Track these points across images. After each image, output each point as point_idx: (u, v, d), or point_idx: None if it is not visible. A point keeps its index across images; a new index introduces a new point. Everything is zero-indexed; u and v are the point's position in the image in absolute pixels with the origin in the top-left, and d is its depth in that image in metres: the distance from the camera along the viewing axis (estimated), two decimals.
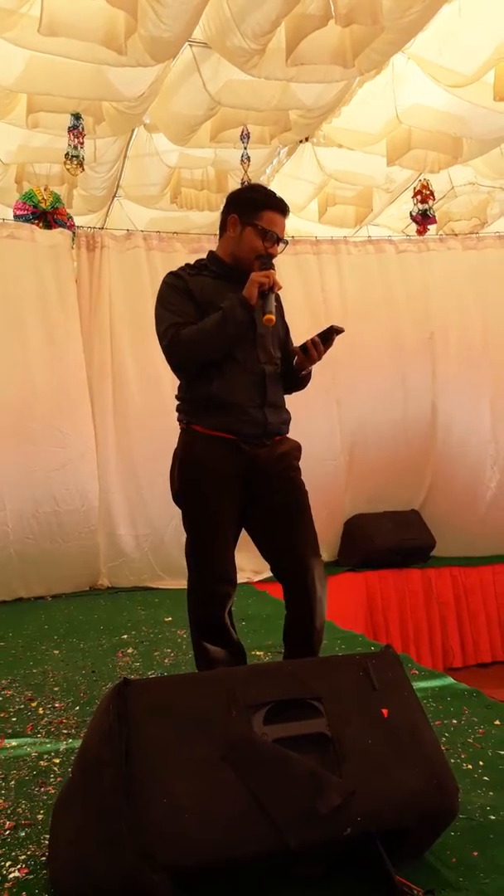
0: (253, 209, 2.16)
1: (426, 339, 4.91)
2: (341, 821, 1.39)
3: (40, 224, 4.83)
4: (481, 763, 2.05)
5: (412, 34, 4.05)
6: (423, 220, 5.38)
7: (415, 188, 5.48)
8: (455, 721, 2.35)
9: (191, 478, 2.14)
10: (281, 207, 2.18)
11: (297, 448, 2.26)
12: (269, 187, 6.62)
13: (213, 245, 4.73)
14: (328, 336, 2.18)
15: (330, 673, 1.61)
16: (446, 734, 2.23)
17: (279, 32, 3.95)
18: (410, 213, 5.50)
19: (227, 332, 2.08)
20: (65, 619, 3.79)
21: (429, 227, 5.44)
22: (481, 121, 4.83)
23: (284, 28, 3.87)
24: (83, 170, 4.56)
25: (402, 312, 4.92)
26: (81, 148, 4.52)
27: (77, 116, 4.41)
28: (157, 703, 1.46)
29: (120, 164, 5.54)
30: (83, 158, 4.50)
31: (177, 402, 2.25)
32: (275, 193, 2.25)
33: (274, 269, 2.11)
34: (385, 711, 1.57)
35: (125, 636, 3.42)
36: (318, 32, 3.86)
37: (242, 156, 4.95)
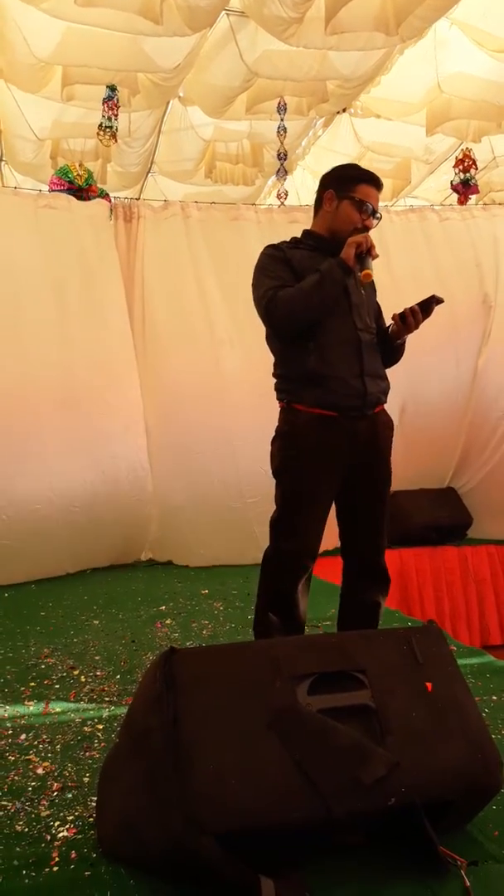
0: (349, 183, 2.21)
1: (479, 304, 4.76)
2: (385, 791, 1.40)
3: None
4: None
5: None
6: (465, 189, 5.24)
7: (457, 157, 5.34)
8: (495, 697, 2.34)
9: (291, 454, 2.18)
10: (375, 181, 2.23)
11: (391, 425, 2.31)
12: (304, 160, 6.52)
13: (252, 214, 4.68)
14: (428, 305, 2.17)
15: (374, 646, 1.61)
16: (486, 710, 2.22)
17: (318, 0, 3.87)
18: (451, 181, 5.36)
19: (325, 291, 2.11)
20: (103, 590, 3.84)
21: (470, 196, 5.31)
22: None
23: None
24: (116, 141, 4.54)
25: (452, 279, 4.77)
26: (115, 119, 4.49)
27: (112, 88, 4.39)
28: (204, 671, 1.48)
29: (154, 139, 5.51)
30: (116, 129, 4.47)
31: (275, 380, 2.27)
32: (369, 170, 2.30)
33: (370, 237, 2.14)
34: (429, 685, 1.56)
35: (163, 608, 3.46)
36: None
37: (279, 127, 4.88)
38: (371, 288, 2.30)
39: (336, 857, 1.46)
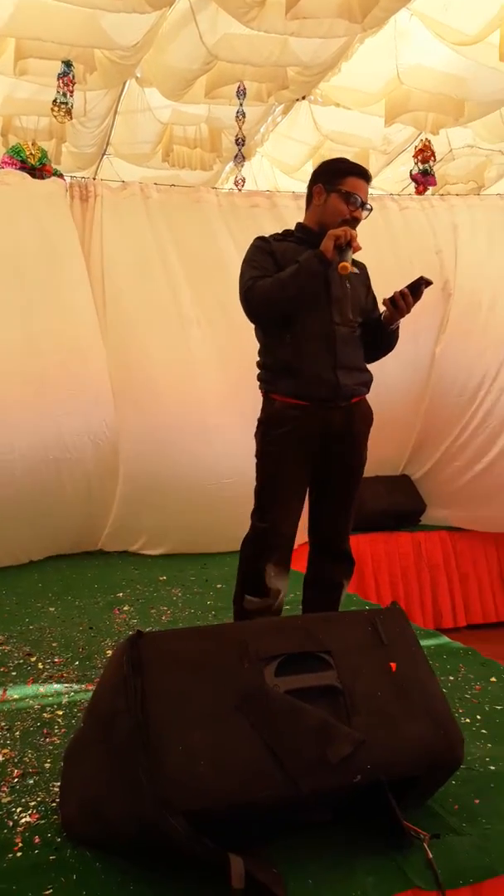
0: (337, 176, 2.24)
1: (439, 291, 4.80)
2: (351, 769, 1.42)
3: None
4: (479, 717, 2.10)
5: None
6: (424, 179, 5.31)
7: (416, 147, 5.39)
8: (452, 678, 2.40)
9: (266, 440, 2.26)
10: (364, 174, 2.27)
11: (370, 416, 2.35)
12: (262, 146, 6.49)
13: (213, 197, 4.62)
14: (417, 288, 2.19)
15: (339, 628, 1.63)
16: (444, 690, 2.26)
17: None
18: (410, 171, 5.42)
19: (301, 282, 2.14)
20: (58, 577, 3.78)
21: (428, 187, 5.38)
22: (483, 82, 4.77)
23: None
24: (71, 118, 4.44)
25: (413, 265, 4.79)
26: (71, 96, 4.38)
27: (68, 64, 4.28)
28: (171, 654, 1.48)
29: (110, 120, 5.41)
30: (72, 106, 4.37)
31: (258, 368, 2.33)
32: (358, 163, 2.33)
33: (355, 232, 2.15)
34: (393, 665, 1.59)
35: (120, 594, 3.43)
36: None
37: (238, 112, 4.84)
38: (360, 282, 2.32)
39: (304, 834, 1.48)
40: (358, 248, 2.14)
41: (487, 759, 1.84)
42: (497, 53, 4.36)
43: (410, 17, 4.54)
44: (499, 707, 2.17)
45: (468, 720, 2.08)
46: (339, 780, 1.42)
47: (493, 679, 2.39)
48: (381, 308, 2.31)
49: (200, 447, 4.15)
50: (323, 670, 1.54)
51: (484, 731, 2.02)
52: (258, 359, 2.34)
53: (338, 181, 2.23)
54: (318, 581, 2.39)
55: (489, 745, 1.93)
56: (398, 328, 2.34)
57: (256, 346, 2.36)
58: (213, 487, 4.11)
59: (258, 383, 2.34)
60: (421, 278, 2.19)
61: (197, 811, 1.32)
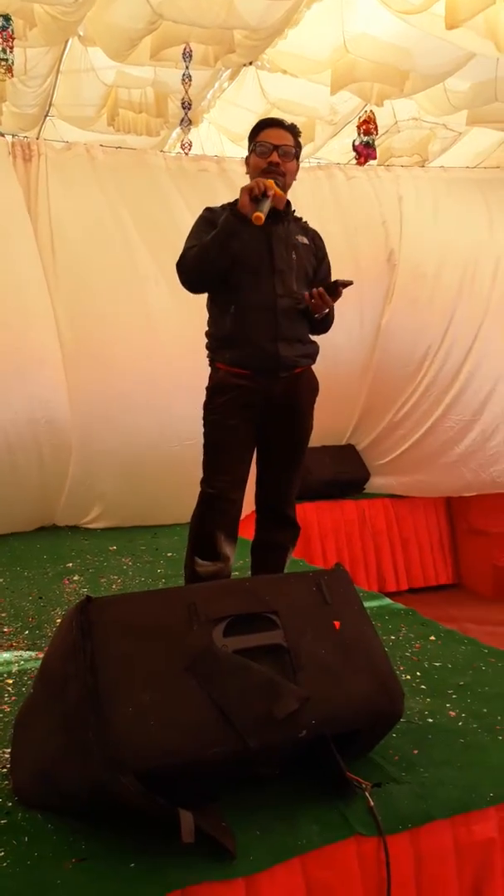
0: (253, 137, 2.28)
1: (385, 262, 4.85)
2: (297, 724, 1.48)
3: None
4: (418, 674, 2.20)
5: None
6: (366, 150, 5.34)
7: (360, 118, 5.40)
8: (393, 637, 2.50)
9: (210, 408, 2.30)
10: (273, 122, 2.30)
11: (315, 386, 2.38)
12: (209, 113, 6.37)
13: (161, 161, 4.54)
14: (334, 288, 2.21)
15: (285, 588, 1.68)
16: (386, 648, 2.35)
17: None
18: (353, 142, 5.43)
19: (219, 240, 2.15)
20: (5, 549, 3.74)
21: (369, 160, 5.41)
22: (428, 54, 4.76)
23: None
24: (12, 75, 4.27)
25: (359, 235, 4.83)
26: (11, 52, 4.22)
27: (7, 18, 4.10)
28: (120, 618, 1.50)
29: (52, 79, 5.22)
30: (12, 63, 4.20)
31: (206, 338, 2.35)
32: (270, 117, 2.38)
33: (273, 181, 2.14)
34: (337, 624, 1.65)
35: (70, 564, 3.42)
36: None
37: (184, 75, 4.74)
38: (309, 253, 2.34)
39: (252, 788, 1.54)
40: (280, 196, 2.17)
41: (426, 713, 1.93)
42: (442, 23, 4.38)
43: None
44: (437, 664, 2.28)
45: (408, 677, 2.17)
46: (286, 736, 1.48)
47: (432, 638, 2.49)
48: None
49: (161, 409, 4.09)
50: (269, 630, 1.58)
51: (423, 686, 2.12)
52: (207, 329, 2.36)
53: (252, 144, 2.28)
54: (264, 545, 2.44)
55: (427, 699, 2.03)
56: (327, 316, 2.34)
57: None
58: (175, 449, 4.05)
59: (207, 353, 2.36)
60: (336, 281, 2.22)
61: (147, 770, 1.35)
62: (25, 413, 3.89)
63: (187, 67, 4.73)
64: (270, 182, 2.12)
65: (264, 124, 2.30)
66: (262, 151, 2.22)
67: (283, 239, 2.28)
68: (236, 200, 2.32)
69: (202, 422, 2.34)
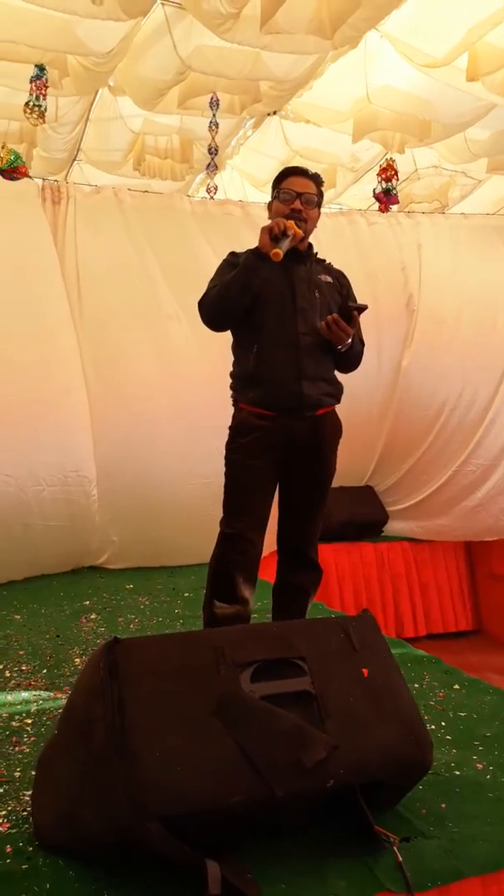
0: (277, 184, 2.34)
1: (404, 307, 4.91)
2: (325, 773, 1.45)
3: None
4: (443, 723, 2.15)
5: (387, 11, 4.05)
6: (386, 197, 5.43)
7: (381, 166, 5.51)
8: (416, 685, 2.45)
9: (233, 448, 2.29)
10: (297, 171, 2.35)
11: (339, 427, 2.37)
12: (232, 159, 6.54)
13: (187, 205, 4.67)
14: (349, 313, 2.20)
15: (313, 634, 1.66)
16: None
17: None
18: (374, 190, 5.53)
19: (241, 280, 2.17)
20: (21, 585, 3.74)
21: (391, 206, 5.50)
22: (449, 105, 4.88)
23: None
24: (44, 121, 4.40)
25: (379, 280, 4.91)
26: (44, 100, 4.36)
27: (41, 68, 4.25)
28: (147, 660, 1.48)
29: (82, 126, 5.39)
30: (45, 109, 4.34)
31: (231, 377, 2.37)
32: (293, 165, 2.45)
33: (294, 223, 2.17)
34: (365, 671, 1.63)
35: (87, 602, 3.41)
36: (295, 1, 3.83)
37: (211, 122, 4.87)
38: (334, 291, 2.35)
39: (277, 837, 1.50)
40: (299, 236, 2.18)
41: (452, 765, 1.89)
42: (463, 76, 4.50)
43: (380, 38, 4.64)
44: (462, 714, 2.23)
45: (433, 726, 2.12)
46: (313, 785, 1.45)
47: (457, 686, 2.45)
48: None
49: (182, 447, 4.11)
50: (297, 676, 1.56)
51: (448, 736, 2.07)
52: (231, 370, 2.38)
53: (275, 190, 2.33)
54: (286, 588, 2.41)
55: (454, 750, 1.98)
56: (349, 349, 2.30)
57: None
58: (194, 487, 4.06)
59: (231, 393, 2.37)
60: (350, 305, 2.22)
61: (173, 816, 1.32)
62: (50, 444, 3.88)
63: (214, 115, 4.86)
64: (290, 222, 2.15)
65: (289, 172, 2.35)
66: (286, 198, 2.27)
67: (306, 278, 2.30)
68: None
69: (224, 461, 2.34)
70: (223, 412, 2.40)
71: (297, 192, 2.27)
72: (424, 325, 4.94)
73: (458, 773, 1.84)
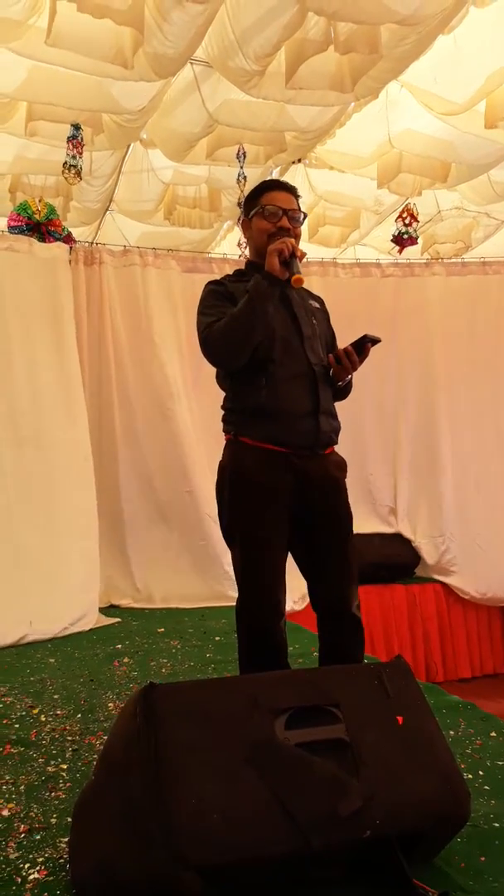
0: (253, 201, 2.16)
1: (409, 360, 5.09)
2: (361, 823, 1.44)
3: (34, 235, 4.86)
4: (481, 773, 2.11)
5: (407, 63, 4.17)
6: (402, 241, 5.62)
7: (400, 212, 5.66)
8: (452, 732, 2.41)
9: (239, 493, 2.03)
10: (278, 185, 2.16)
11: (344, 465, 2.17)
12: None
13: (206, 265, 4.89)
14: (362, 345, 2.08)
15: (347, 681, 1.66)
16: None
17: (280, 55, 4.04)
18: (392, 234, 5.67)
19: (254, 307, 1.96)
20: None
21: (407, 247, 5.67)
22: (470, 147, 4.97)
23: (285, 51, 3.97)
24: (80, 179, 4.59)
25: (388, 333, 5.07)
26: (80, 158, 4.55)
27: (77, 127, 4.44)
28: (183, 706, 1.50)
29: (115, 179, 5.58)
30: (81, 168, 4.53)
31: (223, 413, 2.16)
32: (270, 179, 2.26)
33: (294, 241, 2.02)
34: (400, 719, 1.61)
35: (119, 646, 3.42)
36: (317, 57, 3.97)
37: (239, 175, 5.02)
38: (323, 317, 2.23)
39: (314, 889, 1.48)
40: (303, 256, 2.02)
41: (491, 816, 1.84)
42: (482, 121, 4.60)
43: (401, 88, 4.77)
44: (500, 763, 2.18)
45: (470, 776, 2.08)
46: (349, 835, 1.43)
47: (494, 734, 2.40)
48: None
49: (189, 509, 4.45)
50: (331, 723, 1.56)
51: (486, 787, 2.03)
52: (224, 404, 2.15)
53: (255, 205, 2.13)
54: (334, 654, 2.11)
55: (492, 801, 1.94)
56: (349, 383, 2.20)
57: None
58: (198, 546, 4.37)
59: (223, 427, 2.14)
60: (366, 336, 2.07)
61: (209, 865, 1.32)
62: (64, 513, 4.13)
63: (242, 167, 5.01)
64: (294, 242, 2.00)
65: (268, 186, 2.16)
66: (272, 214, 2.08)
67: (301, 305, 2.14)
68: (241, 270, 2.21)
69: (226, 511, 2.06)
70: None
71: (283, 209, 2.09)
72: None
73: (497, 825, 1.80)
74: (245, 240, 2.25)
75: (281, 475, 2.01)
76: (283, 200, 2.12)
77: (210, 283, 2.17)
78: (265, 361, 2.02)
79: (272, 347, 2.03)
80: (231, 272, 2.27)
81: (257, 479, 2.01)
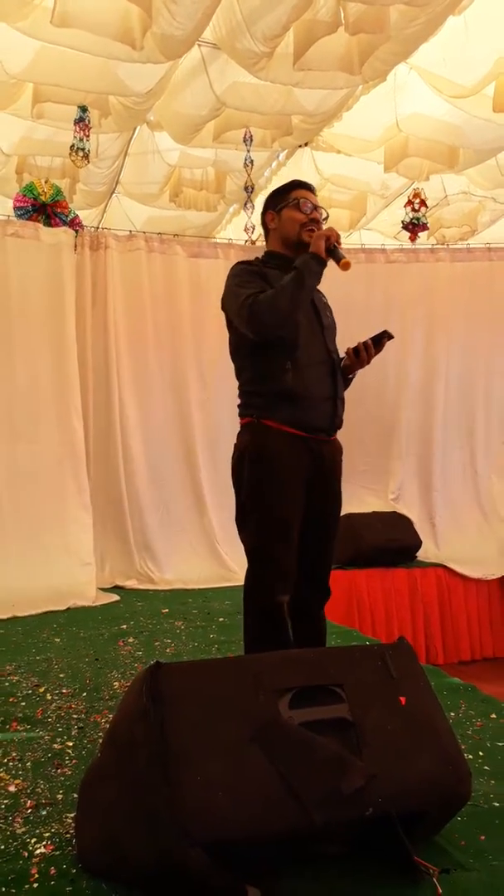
0: (282, 195, 2.28)
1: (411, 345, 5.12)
2: (363, 801, 1.46)
3: (40, 217, 4.85)
4: (481, 753, 2.14)
5: (416, 45, 4.13)
6: (414, 228, 5.56)
7: (408, 197, 5.61)
8: (453, 714, 2.44)
9: (262, 477, 2.10)
10: (306, 185, 2.31)
11: (342, 451, 2.27)
12: (266, 189, 6.74)
13: (211, 250, 4.90)
14: (379, 340, 2.19)
15: (350, 661, 1.68)
16: None
17: (288, 37, 4.00)
18: (402, 220, 5.62)
19: (305, 284, 2.07)
20: (62, 609, 3.80)
21: (419, 234, 5.60)
22: (478, 132, 4.93)
23: (293, 33, 3.93)
24: (88, 162, 4.58)
25: (393, 318, 5.07)
26: (87, 141, 4.54)
27: (84, 109, 4.42)
28: (189, 685, 1.52)
29: (121, 161, 5.55)
30: (88, 151, 4.51)
31: (242, 396, 2.22)
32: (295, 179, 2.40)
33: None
34: (402, 699, 1.64)
35: (124, 626, 3.45)
36: (325, 39, 3.92)
37: (246, 159, 5.00)
38: (329, 310, 2.32)
39: (317, 865, 1.51)
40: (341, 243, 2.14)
41: (491, 796, 1.87)
42: (490, 105, 4.56)
43: (409, 70, 4.72)
44: (500, 744, 2.21)
45: (470, 756, 2.11)
46: (352, 813, 1.46)
47: (494, 716, 2.43)
48: (342, 354, 2.27)
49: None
50: (335, 703, 1.58)
51: (486, 767, 2.06)
52: (244, 387, 2.21)
53: (285, 199, 2.25)
54: (308, 617, 2.24)
55: (492, 781, 1.97)
56: (354, 377, 2.31)
57: None
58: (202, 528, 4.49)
59: (241, 410, 2.20)
60: (384, 332, 2.19)
61: (214, 842, 1.35)
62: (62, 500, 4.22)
63: (249, 151, 4.98)
64: (338, 232, 2.14)
65: (299, 185, 2.30)
66: (305, 207, 2.21)
67: (318, 298, 2.26)
68: (271, 253, 2.27)
69: (247, 493, 2.12)
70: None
71: (314, 205, 2.24)
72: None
73: (497, 804, 1.83)
74: (268, 229, 2.32)
75: (301, 458, 2.12)
76: (312, 199, 2.28)
77: (241, 262, 2.27)
78: (292, 347, 2.12)
79: (298, 333, 2.14)
80: (236, 258, 2.34)
81: (280, 461, 2.09)
